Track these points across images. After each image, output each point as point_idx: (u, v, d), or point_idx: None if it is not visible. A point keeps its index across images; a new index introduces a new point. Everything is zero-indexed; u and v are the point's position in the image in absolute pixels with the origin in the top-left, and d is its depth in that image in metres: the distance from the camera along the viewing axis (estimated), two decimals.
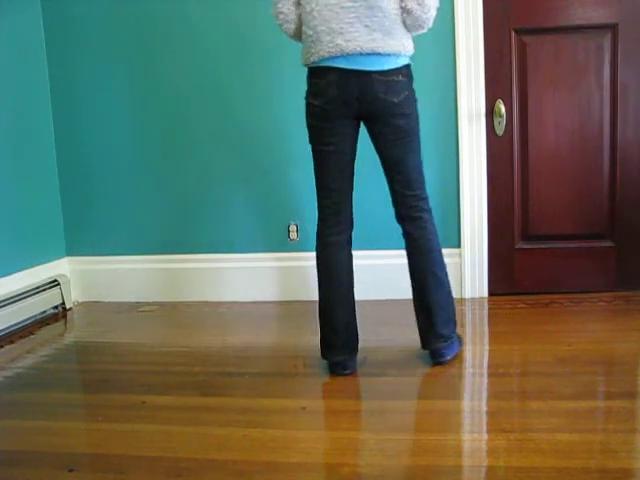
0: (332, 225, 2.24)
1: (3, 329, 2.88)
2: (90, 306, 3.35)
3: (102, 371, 2.46)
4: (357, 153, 2.23)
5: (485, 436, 1.82)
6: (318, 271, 2.27)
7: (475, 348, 2.48)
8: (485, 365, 2.41)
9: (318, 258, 2.27)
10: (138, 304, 3.28)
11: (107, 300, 3.37)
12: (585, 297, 2.96)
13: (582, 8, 2.89)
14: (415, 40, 2.18)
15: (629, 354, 2.35)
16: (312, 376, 2.30)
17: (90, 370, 2.54)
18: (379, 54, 2.05)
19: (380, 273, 3.08)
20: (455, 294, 2.39)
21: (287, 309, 3.13)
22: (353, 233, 2.29)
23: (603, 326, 2.68)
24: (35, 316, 3.10)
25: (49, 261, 3.28)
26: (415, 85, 2.18)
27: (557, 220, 3.03)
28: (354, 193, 2.28)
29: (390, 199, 2.26)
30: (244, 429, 1.89)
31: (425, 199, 2.25)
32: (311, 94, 2.17)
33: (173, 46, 3.17)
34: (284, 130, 3.11)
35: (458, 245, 3.06)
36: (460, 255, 3.05)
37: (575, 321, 2.74)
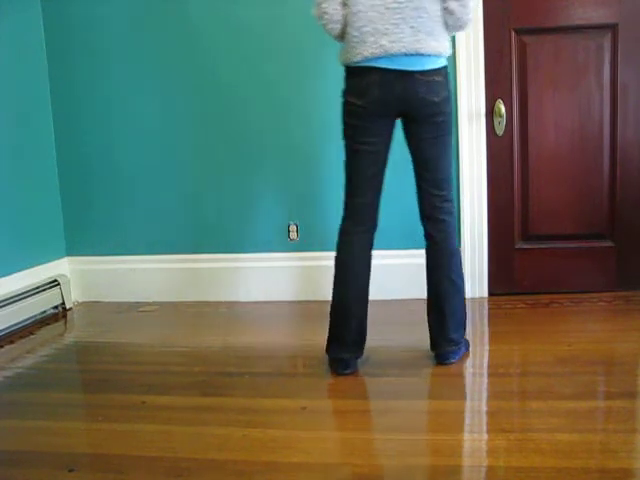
0: (357, 223, 2.24)
1: (3, 329, 2.88)
2: (90, 306, 3.35)
3: (102, 371, 2.46)
4: None
5: (485, 436, 1.82)
6: (336, 267, 2.26)
7: (475, 348, 2.47)
8: (485, 365, 2.41)
9: (339, 254, 2.26)
10: (138, 304, 3.28)
11: (107, 300, 3.37)
12: (585, 297, 2.96)
13: (582, 8, 2.89)
14: None
15: (629, 354, 2.35)
16: (312, 376, 2.30)
17: (90, 370, 2.54)
18: (422, 55, 2.07)
19: (382, 273, 3.07)
20: None
21: (287, 309, 3.13)
22: None
23: (603, 326, 2.68)
24: (35, 316, 3.09)
25: (49, 261, 3.28)
26: None
27: (557, 220, 3.03)
28: None
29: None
30: (244, 429, 1.89)
31: (451, 201, 2.27)
32: (351, 93, 2.16)
33: (173, 46, 3.16)
34: (284, 130, 3.11)
35: (458, 245, 3.04)
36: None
37: (575, 321, 2.74)
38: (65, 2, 3.23)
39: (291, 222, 3.18)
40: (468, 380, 2.25)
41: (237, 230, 3.23)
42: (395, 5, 2.04)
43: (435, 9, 2.07)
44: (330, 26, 2.14)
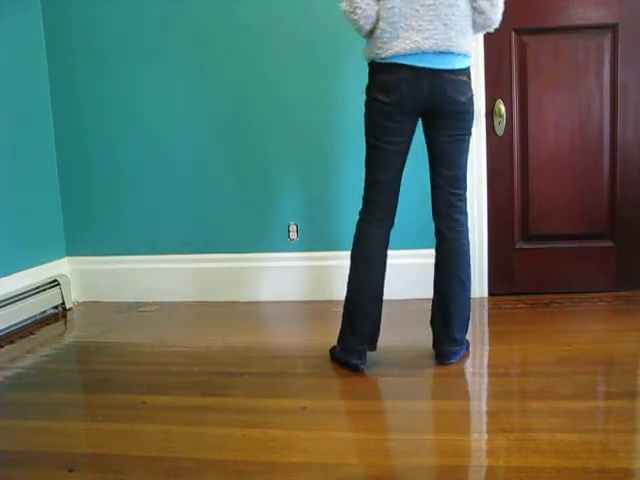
0: (375, 220, 2.25)
1: (3, 329, 2.88)
2: (90, 306, 3.35)
3: (102, 371, 2.46)
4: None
5: (485, 436, 1.82)
6: (353, 262, 2.26)
7: (475, 348, 2.47)
8: (485, 365, 2.41)
9: (356, 249, 2.26)
10: (138, 304, 3.28)
11: (107, 300, 3.37)
12: (585, 297, 2.96)
13: (582, 8, 2.89)
14: None
15: (629, 354, 2.35)
16: (312, 376, 2.30)
17: (90, 370, 2.54)
18: (451, 53, 2.07)
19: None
20: None
21: (287, 309, 3.13)
22: None
23: (603, 326, 2.68)
24: (35, 316, 3.09)
25: (49, 261, 3.28)
26: None
27: (557, 220, 3.03)
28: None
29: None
30: (244, 429, 1.89)
31: (465, 202, 2.29)
32: (377, 90, 2.14)
33: (173, 46, 3.16)
34: (284, 130, 3.11)
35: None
36: None
37: (575, 321, 2.74)
38: (65, 2, 3.23)
39: (291, 222, 3.18)
40: (468, 380, 2.25)
41: (237, 230, 3.23)
42: (430, 2, 2.04)
43: (466, 7, 2.08)
44: (363, 21, 2.08)
